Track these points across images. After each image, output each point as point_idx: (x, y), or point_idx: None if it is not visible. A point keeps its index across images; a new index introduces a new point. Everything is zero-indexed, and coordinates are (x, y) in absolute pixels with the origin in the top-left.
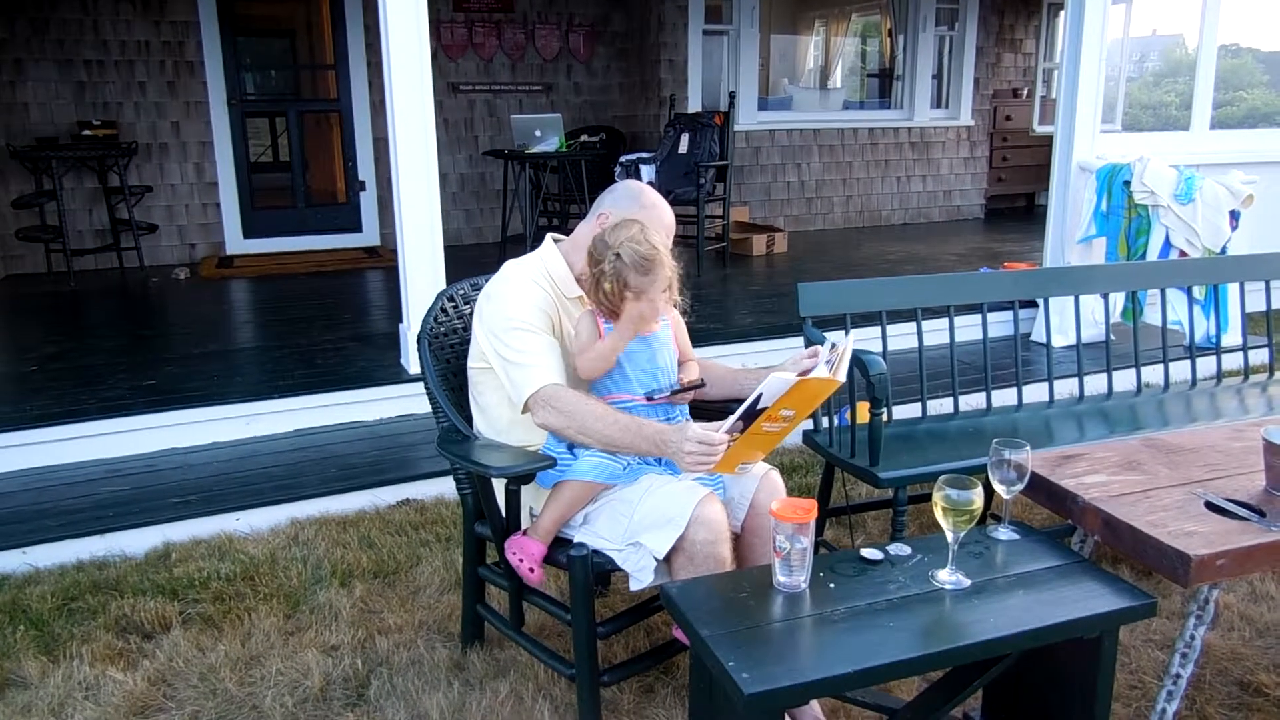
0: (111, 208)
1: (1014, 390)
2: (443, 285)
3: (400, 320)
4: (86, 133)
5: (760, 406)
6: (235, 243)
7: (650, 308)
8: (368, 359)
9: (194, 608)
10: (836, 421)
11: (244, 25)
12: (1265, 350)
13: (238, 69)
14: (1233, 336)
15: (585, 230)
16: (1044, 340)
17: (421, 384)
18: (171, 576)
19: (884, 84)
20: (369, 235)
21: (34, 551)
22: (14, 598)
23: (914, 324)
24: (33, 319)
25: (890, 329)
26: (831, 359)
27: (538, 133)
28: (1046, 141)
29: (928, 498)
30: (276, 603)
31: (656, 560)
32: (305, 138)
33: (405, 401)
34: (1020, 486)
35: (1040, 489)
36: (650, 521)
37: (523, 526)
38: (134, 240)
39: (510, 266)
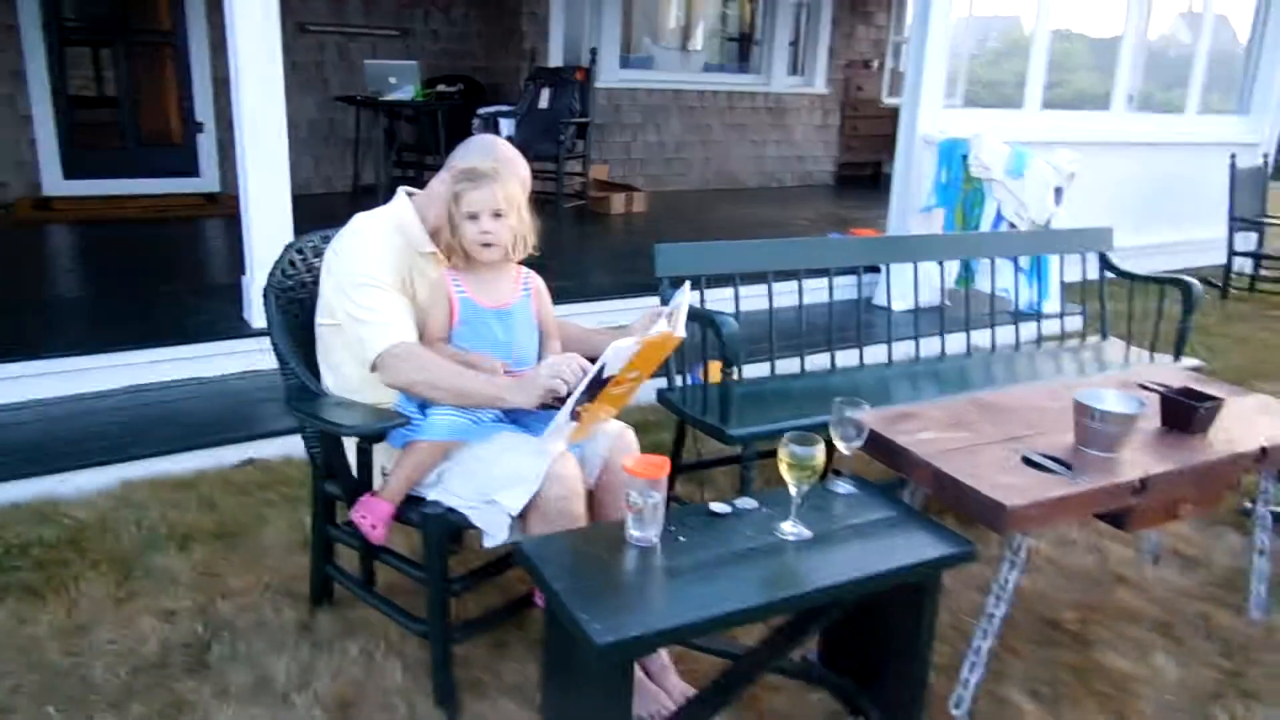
0: None
1: (856, 351)
2: (290, 236)
3: (243, 272)
4: None
5: (605, 376)
6: (54, 184)
7: (481, 234)
8: (209, 311)
9: (13, 576)
10: (689, 380)
11: None
12: (1079, 317)
13: None
14: (1053, 304)
15: (438, 184)
16: (885, 304)
17: (265, 339)
18: None
19: (743, 48)
20: (208, 180)
21: None
22: None
23: (764, 286)
24: None
25: (742, 290)
26: (670, 314)
27: (393, 79)
28: (894, 113)
29: (775, 454)
30: (106, 568)
31: (511, 518)
32: (135, 72)
33: (249, 357)
34: (859, 443)
35: (877, 445)
36: (505, 479)
37: (375, 485)
38: None
39: (360, 219)
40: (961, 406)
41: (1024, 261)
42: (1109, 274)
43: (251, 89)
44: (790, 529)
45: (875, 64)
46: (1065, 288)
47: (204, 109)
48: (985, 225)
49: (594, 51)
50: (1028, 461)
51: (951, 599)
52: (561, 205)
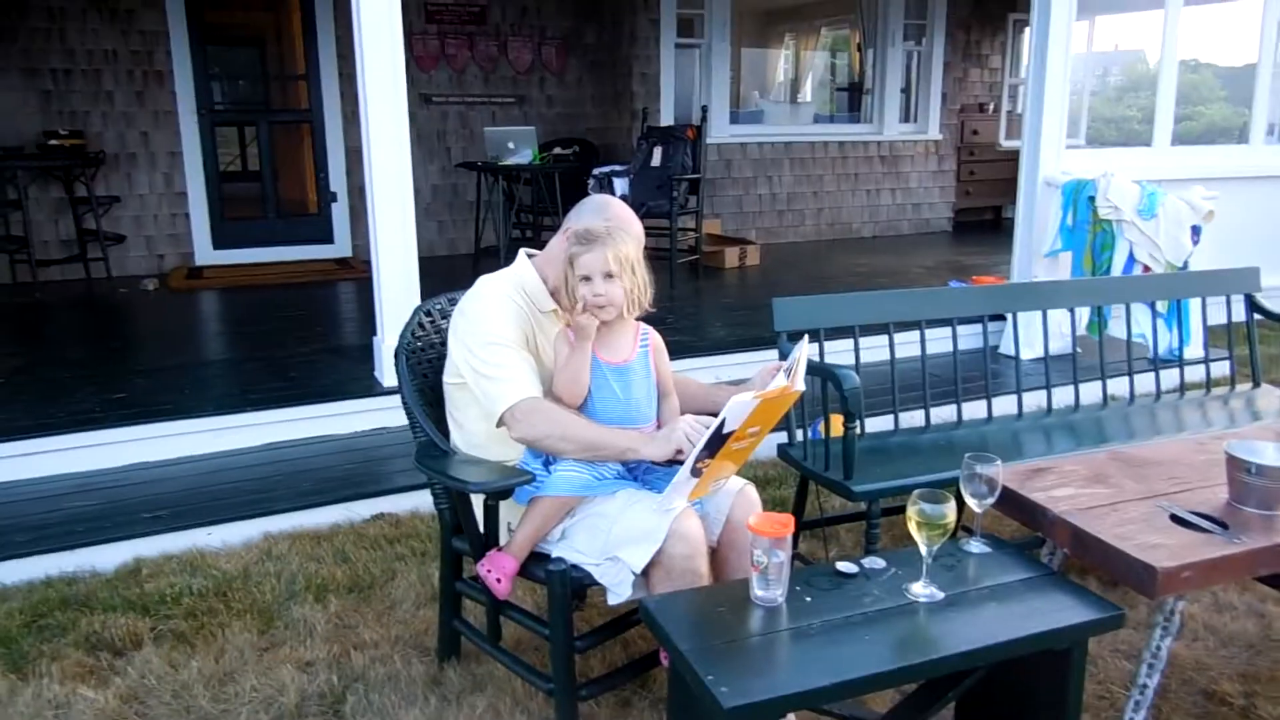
0: (78, 218)
1: (983, 403)
2: (417, 298)
3: (374, 333)
4: (53, 142)
5: (725, 431)
6: (205, 253)
7: (593, 296)
8: (340, 372)
9: (166, 624)
10: (809, 435)
11: (213, 34)
12: (1226, 363)
13: (207, 78)
14: (1195, 349)
15: (556, 244)
16: (1011, 353)
17: (396, 397)
18: (142, 592)
19: (853, 98)
20: (341, 247)
21: (1, 567)
22: None
23: (884, 337)
24: None
25: (862, 341)
26: (789, 368)
27: (511, 145)
28: (1013, 156)
29: (901, 509)
30: (250, 618)
31: (634, 575)
32: (276, 148)
33: (379, 415)
34: (991, 500)
35: (1010, 502)
36: (628, 536)
37: (501, 541)
38: (101, 251)
39: (484, 282)
40: (1101, 460)
41: (1161, 306)
42: (1258, 316)
43: (382, 161)
44: (921, 590)
45: (990, 107)
46: (1209, 332)
47: (337, 179)
48: (1116, 269)
49: (704, 109)
50: (1177, 520)
51: (1097, 667)
52: (675, 261)
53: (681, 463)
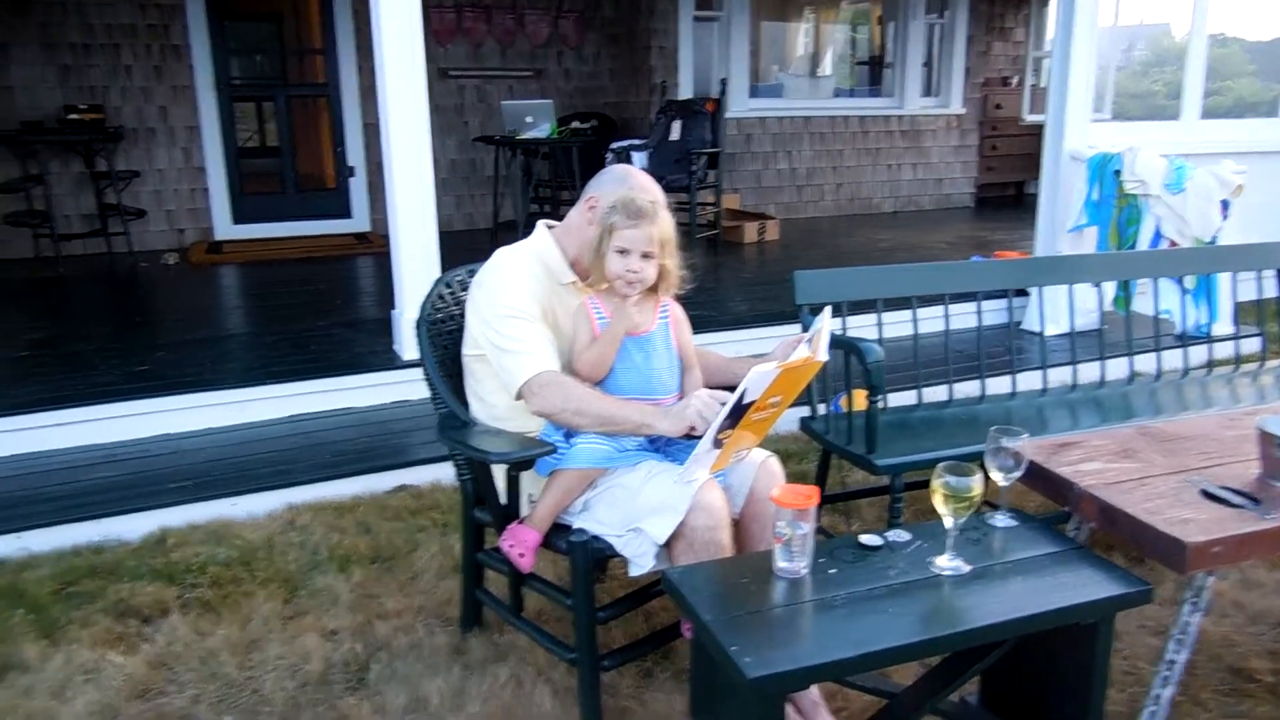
0: (99, 192)
1: (1007, 378)
2: (436, 272)
3: (393, 306)
4: (73, 117)
5: (746, 402)
6: (224, 228)
7: (627, 272)
8: (360, 345)
9: (192, 592)
10: (830, 408)
11: (231, 9)
12: (1256, 339)
13: (225, 53)
14: (1224, 325)
15: (576, 215)
16: (1034, 329)
17: (415, 370)
18: (169, 561)
19: (874, 72)
20: (359, 221)
21: (29, 536)
22: (11, 582)
23: (907, 311)
24: (21, 304)
25: (884, 316)
26: (811, 338)
27: (529, 119)
28: (1036, 130)
29: (923, 484)
30: (275, 587)
31: (657, 546)
32: (294, 123)
33: (399, 388)
34: (1018, 474)
35: (1037, 476)
36: (651, 507)
37: (522, 512)
38: (122, 225)
39: (502, 253)
40: (1128, 435)
41: (1189, 281)
42: None
43: (400, 134)
44: (947, 563)
45: (1014, 81)
46: (1238, 308)
47: (355, 154)
48: (1142, 244)
49: (724, 82)
50: (1207, 495)
51: (1123, 642)
52: (694, 235)
53: (698, 437)
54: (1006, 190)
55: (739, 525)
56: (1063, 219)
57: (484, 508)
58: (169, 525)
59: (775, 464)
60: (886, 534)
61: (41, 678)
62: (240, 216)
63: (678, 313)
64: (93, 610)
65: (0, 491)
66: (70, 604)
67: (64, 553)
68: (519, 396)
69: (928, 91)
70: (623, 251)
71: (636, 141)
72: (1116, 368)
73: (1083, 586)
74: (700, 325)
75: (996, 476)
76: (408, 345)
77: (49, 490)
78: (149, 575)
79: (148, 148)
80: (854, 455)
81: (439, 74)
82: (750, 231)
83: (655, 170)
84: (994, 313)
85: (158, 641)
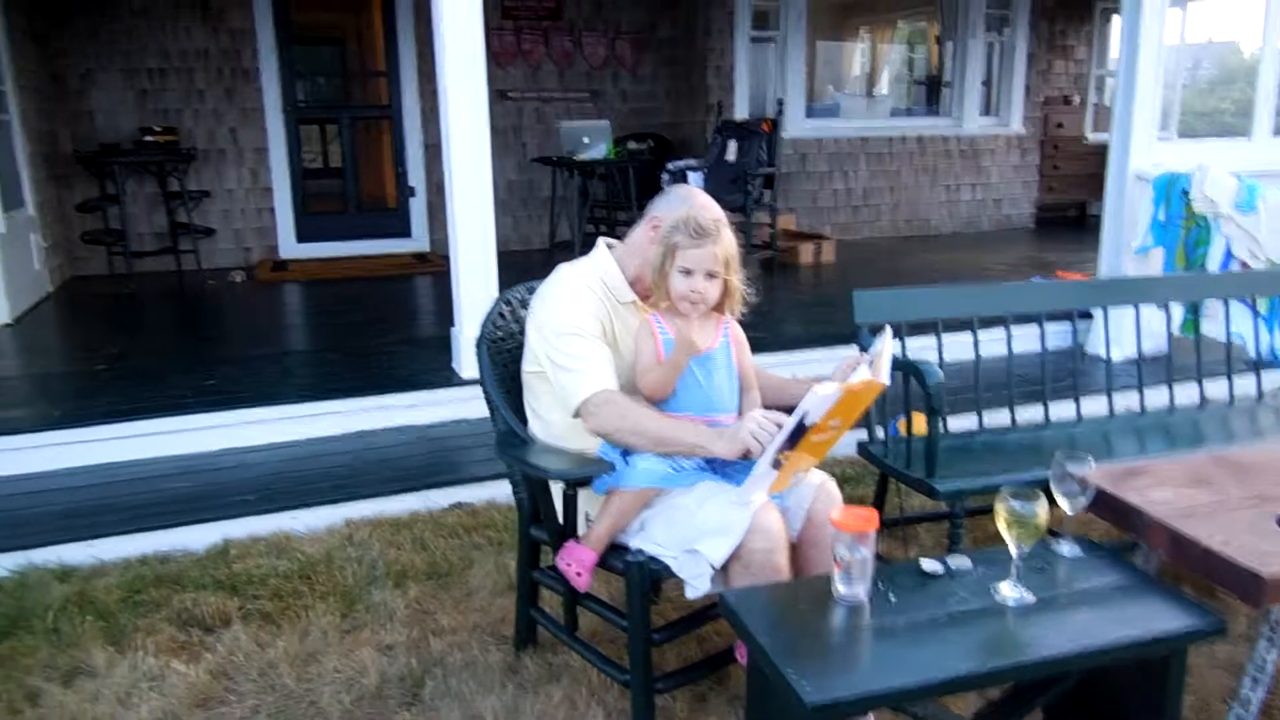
0: (170, 212)
1: (1071, 403)
2: (495, 291)
3: (451, 325)
4: (148, 139)
5: (806, 423)
6: (289, 247)
7: (691, 292)
8: (419, 363)
9: (253, 604)
10: (888, 431)
11: (299, 33)
12: None
13: (292, 76)
14: None
15: (639, 235)
16: (1098, 352)
17: (472, 388)
18: (231, 572)
19: (932, 91)
20: (419, 241)
21: (100, 544)
22: (81, 589)
23: (967, 333)
24: (97, 319)
25: (944, 338)
26: (872, 360)
27: (586, 140)
28: (1099, 149)
29: (984, 511)
30: (333, 601)
31: (713, 568)
32: (356, 144)
33: (456, 405)
34: (1084, 501)
35: (1103, 504)
36: (708, 529)
37: (579, 531)
38: (192, 243)
39: (563, 270)
40: (1200, 463)
41: (1262, 304)
42: None
43: (461, 156)
44: (1010, 591)
45: (1076, 99)
46: None
47: (416, 175)
48: (1212, 265)
49: (780, 102)
50: None
51: (1193, 677)
52: (750, 256)
53: (754, 459)
54: (1068, 211)
55: (796, 548)
56: (1128, 240)
57: (540, 525)
58: (232, 537)
59: (833, 487)
60: (947, 560)
61: (108, 683)
62: (304, 235)
63: (738, 333)
64: (158, 619)
65: (75, 501)
66: (137, 612)
67: (131, 561)
68: (576, 414)
69: (987, 111)
70: (687, 271)
71: (692, 162)
72: (1185, 393)
73: (1153, 619)
74: (755, 346)
75: (1062, 503)
76: (466, 363)
77: (120, 500)
78: (212, 585)
79: (218, 168)
80: (913, 480)
81: (497, 96)
82: (806, 252)
83: (711, 191)
84: (1057, 335)
85: (219, 651)
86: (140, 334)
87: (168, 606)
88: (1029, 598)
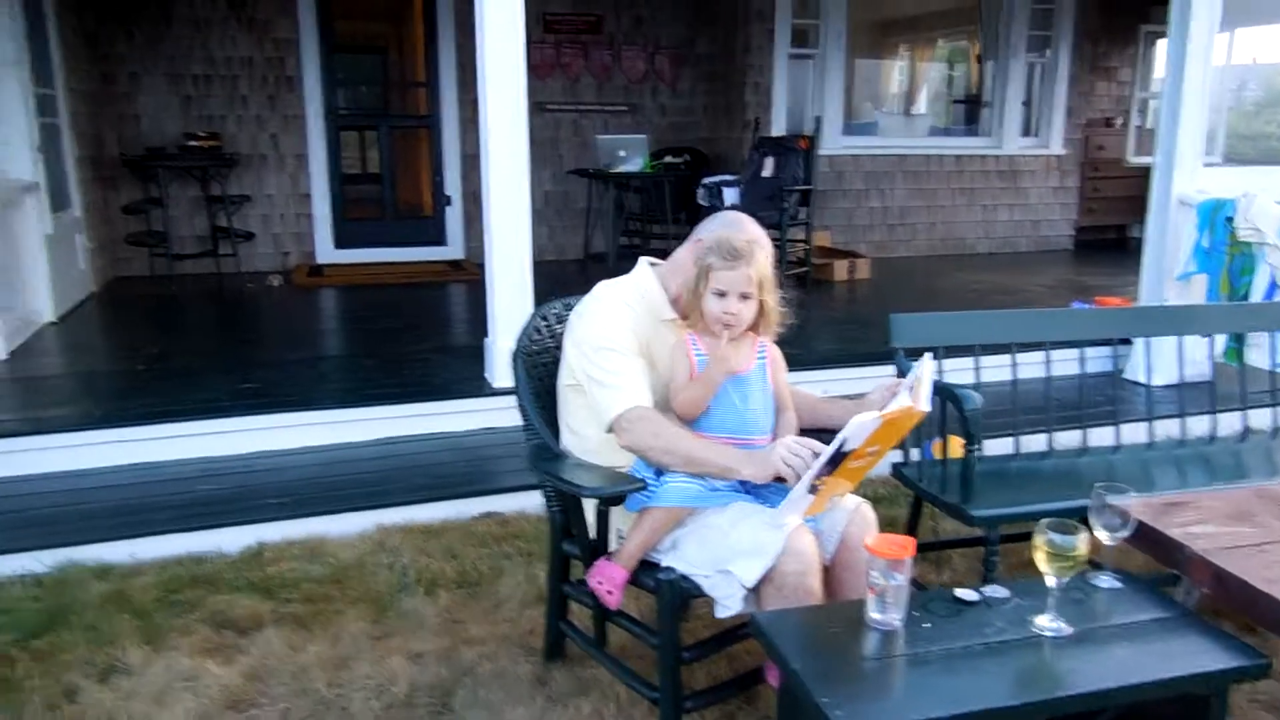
0: (212, 215)
1: (1110, 430)
2: (530, 302)
3: (485, 334)
4: (192, 143)
5: (846, 450)
6: (326, 252)
7: (725, 314)
8: (452, 371)
9: (286, 607)
10: (924, 455)
11: (341, 43)
12: None
13: (333, 84)
14: None
15: (682, 254)
16: (1139, 379)
17: (504, 398)
18: (265, 575)
19: (971, 111)
20: (454, 249)
21: (137, 544)
22: (119, 588)
23: (1001, 357)
24: (138, 320)
25: (981, 361)
26: (911, 386)
27: (622, 153)
28: (1141, 173)
29: (1019, 537)
30: (364, 607)
31: (745, 589)
32: (395, 152)
33: (488, 415)
34: (1124, 533)
35: (1144, 537)
36: (741, 550)
37: (611, 547)
38: (232, 247)
39: (603, 287)
40: (1244, 497)
41: None
42: None
43: (500, 166)
44: (1048, 623)
45: (1119, 121)
46: None
47: (453, 184)
48: (1256, 294)
49: (818, 120)
50: None
51: (1235, 716)
52: (784, 273)
53: (782, 482)
54: (1107, 234)
55: (829, 572)
56: (1170, 265)
57: (571, 540)
58: (266, 540)
59: (868, 511)
60: (983, 589)
61: (143, 682)
62: (341, 241)
63: (775, 354)
64: (192, 619)
65: (115, 500)
66: (172, 612)
67: (168, 561)
68: (610, 430)
69: (1027, 131)
70: (720, 293)
71: (729, 177)
72: (1228, 422)
73: (1195, 656)
74: (788, 364)
75: (1102, 535)
76: (499, 373)
77: (157, 500)
78: (246, 588)
79: (259, 173)
80: (948, 505)
81: (536, 108)
82: (840, 270)
83: (746, 206)
84: (1096, 360)
85: (252, 654)
86: (180, 335)
87: (202, 607)
88: (1066, 630)
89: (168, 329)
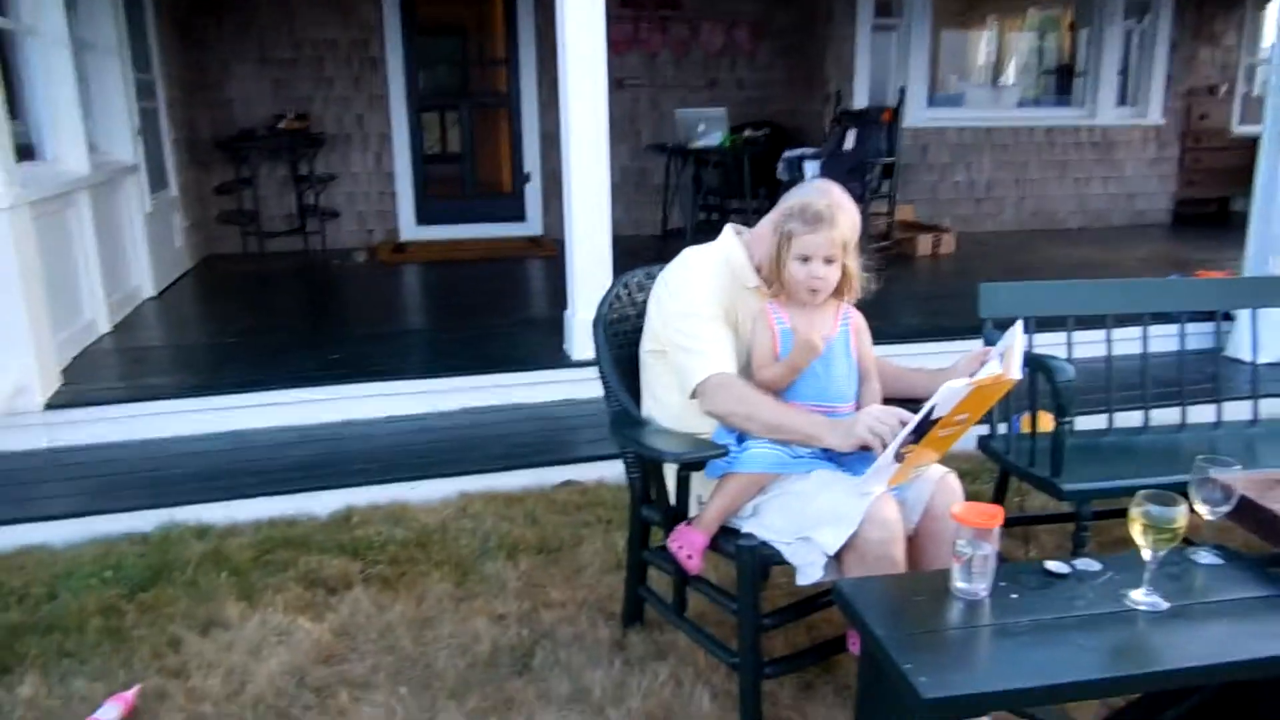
0: (300, 194)
1: (1210, 407)
2: (609, 275)
3: (564, 307)
4: (281, 125)
5: (934, 417)
6: (409, 229)
7: (811, 279)
8: (532, 344)
9: (373, 568)
10: (1011, 428)
11: (423, 24)
12: None
13: (416, 65)
14: None
15: (769, 223)
16: (1242, 356)
17: (583, 369)
18: (353, 538)
19: (1062, 81)
20: (533, 225)
21: (234, 505)
22: (217, 546)
23: (1095, 331)
24: (231, 296)
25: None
26: (1002, 353)
27: (701, 127)
28: (1247, 143)
29: (1112, 514)
30: (447, 569)
31: (827, 556)
32: (475, 130)
33: (568, 386)
34: (1226, 509)
35: (1247, 513)
36: (822, 517)
37: (690, 513)
38: (319, 225)
39: (690, 253)
40: None
41: None
42: None
43: (580, 144)
44: (1142, 598)
45: (1223, 89)
46: None
47: (531, 161)
48: None
49: (902, 91)
50: None
51: None
52: (867, 247)
53: (866, 451)
54: (1208, 206)
55: (913, 541)
56: (1277, 238)
57: (651, 506)
58: (354, 504)
59: (954, 480)
60: (1074, 562)
61: (241, 635)
62: (423, 218)
63: (858, 321)
64: (286, 578)
65: (213, 464)
66: (266, 571)
67: (262, 523)
68: (693, 395)
69: (1123, 101)
70: (804, 259)
71: (809, 151)
72: None
73: None
74: (871, 336)
75: (1202, 510)
76: (578, 345)
77: (251, 465)
78: (335, 549)
79: (344, 153)
80: (1037, 479)
81: (614, 84)
82: (924, 244)
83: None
84: (1195, 336)
85: (341, 612)
86: (270, 310)
87: (295, 567)
88: (1162, 604)
89: (258, 304)
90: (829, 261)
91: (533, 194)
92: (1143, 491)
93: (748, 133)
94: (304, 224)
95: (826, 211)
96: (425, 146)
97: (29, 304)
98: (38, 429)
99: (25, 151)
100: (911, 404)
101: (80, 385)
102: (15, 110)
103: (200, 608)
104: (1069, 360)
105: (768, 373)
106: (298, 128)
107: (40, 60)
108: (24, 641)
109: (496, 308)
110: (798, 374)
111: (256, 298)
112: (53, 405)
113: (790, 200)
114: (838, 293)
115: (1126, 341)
